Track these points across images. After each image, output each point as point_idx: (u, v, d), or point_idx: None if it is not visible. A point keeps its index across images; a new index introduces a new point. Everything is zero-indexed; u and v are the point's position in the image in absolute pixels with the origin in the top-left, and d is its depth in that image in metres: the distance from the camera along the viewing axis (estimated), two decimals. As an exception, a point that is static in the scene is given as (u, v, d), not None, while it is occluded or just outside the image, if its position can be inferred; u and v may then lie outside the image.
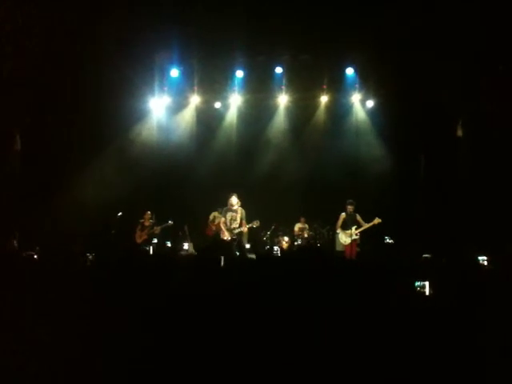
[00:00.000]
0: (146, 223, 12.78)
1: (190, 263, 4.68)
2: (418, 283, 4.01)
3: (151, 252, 11.41)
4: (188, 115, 14.53)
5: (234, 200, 11.06)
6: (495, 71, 10.59)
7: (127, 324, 2.78)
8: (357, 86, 13.84)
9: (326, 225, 12.92)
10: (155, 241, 12.73)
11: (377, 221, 11.49)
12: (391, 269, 3.94)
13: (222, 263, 4.22)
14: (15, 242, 10.37)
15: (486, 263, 7.35)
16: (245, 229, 11.19)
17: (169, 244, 12.93)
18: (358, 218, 11.77)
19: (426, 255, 9.15)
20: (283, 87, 13.95)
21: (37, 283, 3.66)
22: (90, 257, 4.95)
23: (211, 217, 13.00)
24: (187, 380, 2.48)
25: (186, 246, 12.79)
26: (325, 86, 13.85)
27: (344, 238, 11.86)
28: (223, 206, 11.42)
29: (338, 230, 12.00)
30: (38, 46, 10.98)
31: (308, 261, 2.92)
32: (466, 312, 2.74)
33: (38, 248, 7.17)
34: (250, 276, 3.86)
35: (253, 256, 7.41)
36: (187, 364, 2.51)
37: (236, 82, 14.00)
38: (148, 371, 2.52)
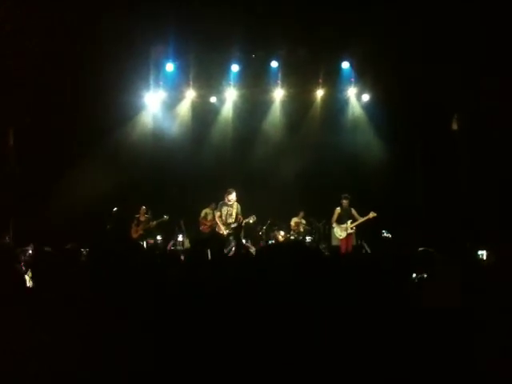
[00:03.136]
0: (142, 218, 12.80)
1: (184, 258, 4.67)
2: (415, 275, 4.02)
3: (145, 247, 11.40)
4: (183, 110, 14.48)
5: (233, 196, 11.06)
6: (493, 68, 10.57)
7: (126, 322, 2.76)
8: (352, 79, 13.83)
9: (322, 219, 12.92)
10: (159, 238, 12.77)
11: (372, 215, 11.55)
12: (387, 262, 3.93)
13: (209, 257, 4.20)
14: (8, 237, 10.34)
15: (485, 258, 7.36)
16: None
17: (159, 237, 12.94)
18: (354, 212, 11.82)
19: (422, 248, 9.14)
20: (279, 81, 13.92)
21: (32, 279, 3.65)
22: (84, 252, 4.93)
23: (202, 213, 12.97)
24: (188, 380, 2.47)
25: (180, 238, 12.83)
26: (321, 80, 13.83)
27: (339, 232, 11.91)
28: (218, 201, 11.40)
29: (334, 225, 12.05)
30: (38, 46, 10.98)
31: (286, 257, 2.89)
32: (466, 309, 2.74)
33: (32, 244, 7.14)
34: (245, 271, 3.84)
35: (252, 250, 7.41)
36: (187, 364, 2.49)
37: (231, 76, 13.95)
38: (148, 371, 2.51)
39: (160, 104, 14.42)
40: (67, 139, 12.77)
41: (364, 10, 11.05)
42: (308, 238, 12.82)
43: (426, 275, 3.97)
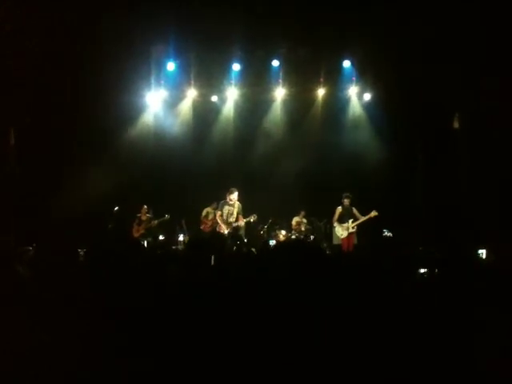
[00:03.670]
0: (143, 217, 12.82)
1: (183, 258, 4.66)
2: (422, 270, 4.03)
3: (146, 246, 11.41)
4: (185, 109, 14.48)
5: (235, 195, 11.08)
6: (493, 68, 10.57)
7: (125, 322, 2.76)
8: (354, 79, 13.81)
9: (323, 218, 12.91)
10: (161, 237, 12.78)
11: (373, 214, 11.53)
12: (387, 262, 3.93)
13: (213, 261, 4.19)
14: (10, 237, 10.32)
15: (484, 256, 7.38)
16: (242, 223, 11.21)
17: (161, 237, 12.95)
18: (355, 211, 11.82)
19: (422, 248, 9.16)
20: (280, 80, 13.90)
21: (32, 280, 3.64)
22: (82, 252, 4.90)
23: (204, 212, 13.00)
24: (188, 380, 2.47)
25: (181, 237, 12.84)
26: (322, 79, 13.81)
27: (341, 231, 11.90)
28: (220, 200, 11.43)
29: (335, 224, 12.03)
30: (38, 46, 10.99)
31: (288, 256, 2.90)
32: (466, 309, 2.74)
33: (34, 244, 7.14)
34: (246, 271, 3.84)
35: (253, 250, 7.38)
36: (187, 363, 2.50)
37: (233, 75, 13.93)
38: (148, 371, 2.51)
39: (161, 103, 14.41)
40: (67, 139, 12.77)
41: (364, 9, 11.04)
42: (309, 238, 12.80)
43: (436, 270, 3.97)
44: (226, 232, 10.99)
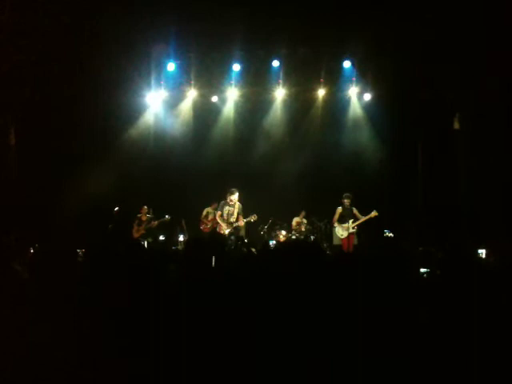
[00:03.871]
0: (143, 218, 12.82)
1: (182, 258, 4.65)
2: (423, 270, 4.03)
3: (146, 246, 11.41)
4: (185, 109, 14.47)
5: (235, 196, 11.09)
6: (494, 67, 10.56)
7: (125, 322, 2.76)
8: (354, 79, 13.80)
9: (323, 218, 12.91)
10: (161, 237, 12.78)
11: (374, 214, 11.54)
12: (388, 262, 3.92)
13: (213, 263, 4.18)
14: (11, 238, 10.31)
15: (484, 256, 7.38)
16: (241, 223, 11.21)
17: (161, 237, 12.96)
18: (355, 211, 11.82)
19: (421, 248, 9.15)
20: (280, 81, 13.89)
21: (32, 280, 3.64)
22: (81, 253, 4.88)
23: (204, 212, 13.02)
24: (187, 380, 2.47)
25: (181, 238, 12.84)
26: (322, 80, 13.80)
27: (341, 231, 11.91)
28: (220, 200, 11.44)
29: (335, 224, 12.04)
30: (38, 46, 10.99)
31: (289, 256, 2.90)
32: (466, 308, 2.74)
33: (34, 244, 7.13)
34: (246, 271, 3.83)
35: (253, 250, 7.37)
36: (187, 364, 2.50)
37: (233, 75, 13.92)
38: (148, 371, 2.52)
39: (161, 103, 14.40)
40: (67, 139, 12.76)
41: (364, 9, 11.04)
42: (310, 238, 12.80)
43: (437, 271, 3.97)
44: (226, 232, 10.99)
